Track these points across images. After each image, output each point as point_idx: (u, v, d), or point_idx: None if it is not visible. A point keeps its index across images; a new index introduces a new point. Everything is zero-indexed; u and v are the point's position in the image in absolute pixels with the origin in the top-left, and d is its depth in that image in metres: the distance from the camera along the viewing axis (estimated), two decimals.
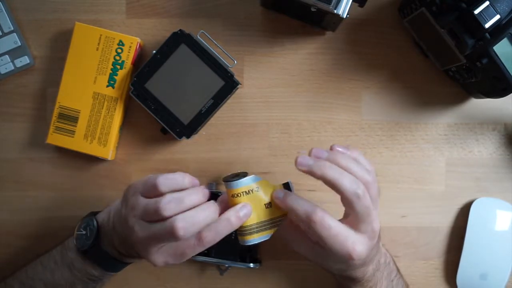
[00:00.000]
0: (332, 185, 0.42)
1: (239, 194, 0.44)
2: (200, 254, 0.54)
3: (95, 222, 0.49)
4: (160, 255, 0.43)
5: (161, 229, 0.41)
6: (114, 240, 0.48)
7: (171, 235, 0.41)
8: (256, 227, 0.45)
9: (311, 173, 0.42)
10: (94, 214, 0.51)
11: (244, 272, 0.59)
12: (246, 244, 0.45)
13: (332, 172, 0.41)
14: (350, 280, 0.49)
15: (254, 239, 0.45)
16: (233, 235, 0.54)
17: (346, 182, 0.41)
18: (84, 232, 0.49)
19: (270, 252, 0.59)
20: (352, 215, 0.43)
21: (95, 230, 0.49)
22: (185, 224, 0.41)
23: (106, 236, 0.49)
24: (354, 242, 0.42)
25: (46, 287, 0.51)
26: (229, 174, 0.46)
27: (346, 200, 0.42)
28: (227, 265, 0.56)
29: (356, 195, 0.41)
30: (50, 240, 0.58)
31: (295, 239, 0.47)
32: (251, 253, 0.56)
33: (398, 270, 0.52)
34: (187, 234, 0.41)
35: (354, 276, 0.48)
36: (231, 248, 0.55)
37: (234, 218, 0.43)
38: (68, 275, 0.50)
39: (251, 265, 0.55)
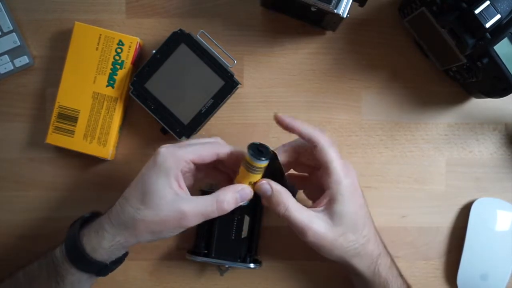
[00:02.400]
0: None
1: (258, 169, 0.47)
2: (200, 254, 0.54)
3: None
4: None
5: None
6: (114, 235, 0.47)
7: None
8: None
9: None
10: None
11: (244, 272, 0.58)
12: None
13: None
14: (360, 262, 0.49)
15: None
16: (233, 235, 0.54)
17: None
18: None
19: (270, 252, 0.59)
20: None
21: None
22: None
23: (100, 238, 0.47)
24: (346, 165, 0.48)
25: (25, 275, 0.50)
26: (256, 143, 0.48)
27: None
28: (227, 266, 0.56)
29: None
30: (50, 240, 0.58)
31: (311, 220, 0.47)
32: (251, 254, 0.56)
33: (397, 268, 0.52)
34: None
35: (371, 250, 0.49)
36: (231, 248, 0.55)
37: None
38: (42, 262, 0.50)
39: (252, 265, 0.55)
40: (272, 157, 0.47)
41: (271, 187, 0.47)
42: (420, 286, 0.59)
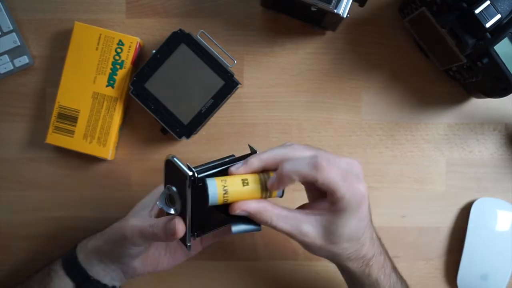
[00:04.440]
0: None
1: None
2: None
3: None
4: None
5: None
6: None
7: None
8: None
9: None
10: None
11: (243, 273, 0.58)
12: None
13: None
14: (360, 263, 0.46)
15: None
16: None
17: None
18: None
19: (270, 252, 0.59)
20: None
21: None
22: None
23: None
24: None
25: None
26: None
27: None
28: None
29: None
30: (50, 240, 0.58)
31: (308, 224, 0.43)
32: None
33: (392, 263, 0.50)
34: None
35: (364, 253, 0.46)
36: (208, 217, 0.44)
37: None
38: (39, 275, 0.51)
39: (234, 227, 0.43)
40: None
41: (246, 211, 0.42)
42: (421, 286, 0.59)
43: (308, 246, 0.44)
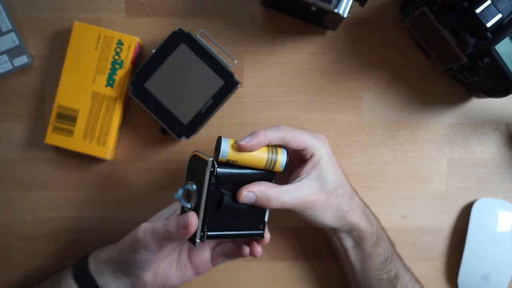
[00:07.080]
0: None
1: None
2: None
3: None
4: None
5: None
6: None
7: None
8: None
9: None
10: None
11: (243, 273, 0.58)
12: None
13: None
14: (352, 230, 0.51)
15: None
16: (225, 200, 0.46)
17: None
18: None
19: (271, 252, 0.58)
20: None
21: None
22: None
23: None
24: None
25: None
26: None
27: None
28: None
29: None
30: (49, 240, 0.58)
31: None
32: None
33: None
34: None
35: (358, 201, 0.52)
36: (220, 220, 0.46)
37: None
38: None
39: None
40: None
41: (253, 193, 0.45)
42: None
43: (314, 209, 0.48)
